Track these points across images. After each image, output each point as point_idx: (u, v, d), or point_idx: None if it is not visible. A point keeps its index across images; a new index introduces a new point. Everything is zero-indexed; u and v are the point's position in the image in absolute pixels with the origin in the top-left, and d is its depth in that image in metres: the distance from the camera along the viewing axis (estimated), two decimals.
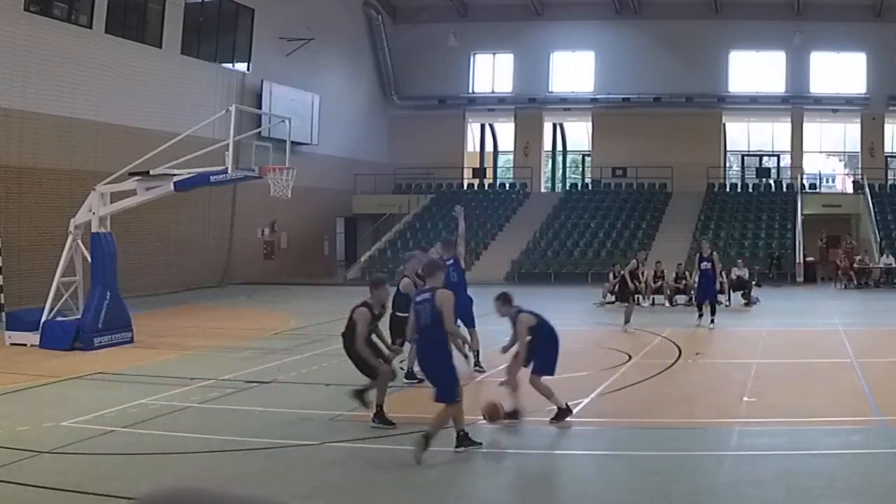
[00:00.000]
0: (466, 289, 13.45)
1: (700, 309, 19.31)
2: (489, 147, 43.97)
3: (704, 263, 19.31)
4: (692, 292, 24.21)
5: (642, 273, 21.82)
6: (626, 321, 18.42)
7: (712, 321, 18.92)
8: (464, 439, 8.75)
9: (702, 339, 17.30)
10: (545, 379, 10.01)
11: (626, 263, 21.35)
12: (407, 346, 11.70)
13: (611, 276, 25.47)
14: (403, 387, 12.17)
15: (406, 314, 12.02)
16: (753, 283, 25.91)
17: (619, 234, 35.03)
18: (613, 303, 24.46)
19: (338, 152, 37.40)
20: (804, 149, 39.89)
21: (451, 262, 12.95)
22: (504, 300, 10.16)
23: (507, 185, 41.56)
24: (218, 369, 13.81)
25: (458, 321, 10.56)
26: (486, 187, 41.66)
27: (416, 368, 13.04)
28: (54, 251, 17.70)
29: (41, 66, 23.09)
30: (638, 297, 20.40)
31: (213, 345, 16.97)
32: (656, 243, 33.10)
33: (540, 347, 9.95)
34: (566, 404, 10.02)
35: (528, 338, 9.85)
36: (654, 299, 24.32)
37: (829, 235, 33.68)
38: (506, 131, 43.18)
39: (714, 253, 19.74)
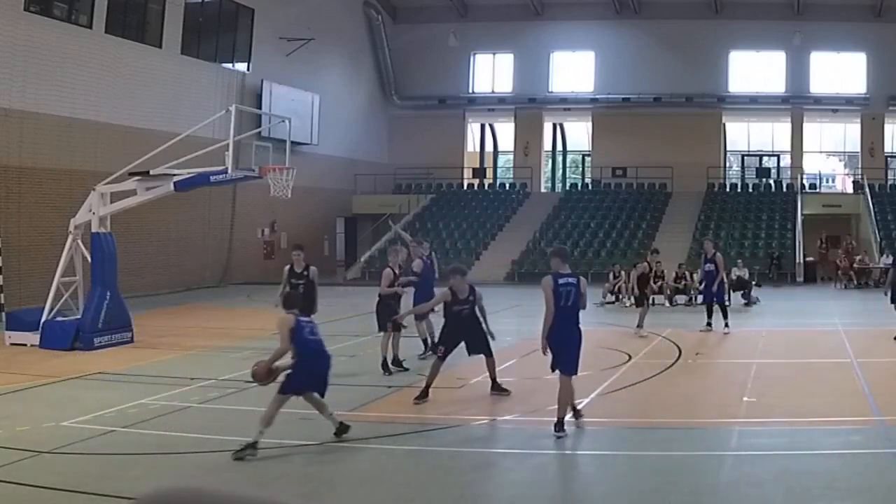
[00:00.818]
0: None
1: (710, 312, 18.48)
2: (489, 147, 43.98)
3: (708, 265, 18.64)
4: (692, 292, 24.25)
5: (654, 274, 20.58)
6: (639, 325, 17.88)
7: (726, 325, 18.13)
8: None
9: (702, 339, 17.29)
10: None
11: (634, 266, 20.33)
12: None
13: (611, 275, 25.48)
14: (391, 387, 12.15)
15: (391, 302, 13.75)
16: (753, 283, 25.91)
17: (619, 234, 35.03)
18: (613, 303, 24.50)
19: (338, 152, 37.41)
20: (804, 149, 39.89)
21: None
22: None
23: (507, 185, 41.56)
24: (218, 369, 13.82)
25: None
26: (486, 187, 41.66)
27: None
28: (54, 251, 17.71)
29: (41, 66, 23.08)
30: (653, 299, 19.38)
31: (213, 345, 16.98)
32: (656, 243, 33.04)
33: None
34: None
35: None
36: (653, 299, 24.25)
37: (829, 235, 33.69)
38: (506, 131, 43.18)
39: (717, 254, 18.92)
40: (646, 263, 19.56)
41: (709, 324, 18.35)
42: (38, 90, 23.12)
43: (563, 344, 9.68)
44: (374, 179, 39.46)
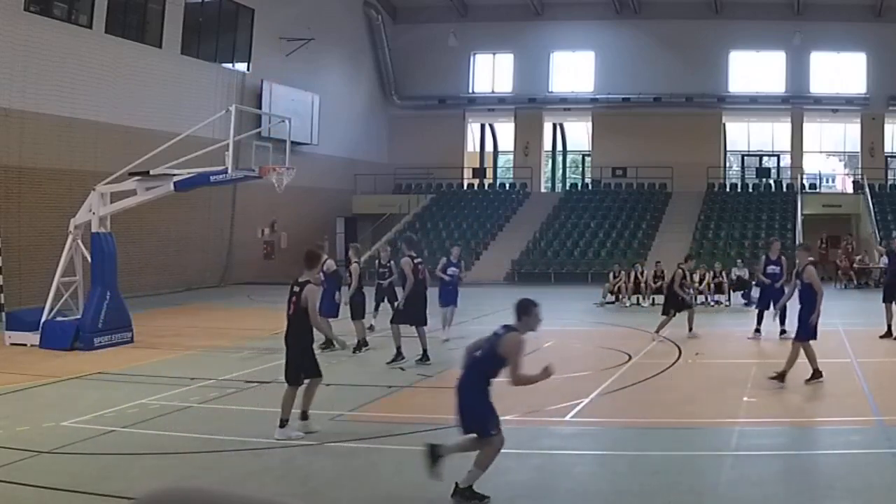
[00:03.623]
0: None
1: (760, 318, 17.34)
2: (489, 147, 43.97)
3: (772, 267, 17.64)
4: (690, 291, 24.19)
5: (690, 278, 19.38)
6: (659, 329, 17.15)
7: (757, 330, 17.33)
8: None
9: (702, 340, 17.27)
10: None
11: (673, 273, 18.82)
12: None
13: (611, 275, 25.47)
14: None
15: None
16: (753, 283, 25.89)
17: (619, 234, 35.02)
18: (613, 303, 24.51)
19: (338, 152, 37.40)
20: (804, 149, 39.89)
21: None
22: None
23: (507, 185, 41.55)
24: (218, 369, 13.81)
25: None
26: (486, 187, 41.65)
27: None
28: (54, 251, 17.70)
29: (41, 66, 23.08)
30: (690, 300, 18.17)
31: (213, 345, 16.97)
32: (656, 243, 33.10)
33: None
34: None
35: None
36: (654, 299, 24.30)
37: (829, 235, 33.67)
38: (506, 131, 43.17)
39: (783, 257, 17.71)
40: (680, 270, 18.27)
41: (758, 330, 17.33)
42: (38, 90, 23.11)
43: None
44: (374, 179, 39.46)
